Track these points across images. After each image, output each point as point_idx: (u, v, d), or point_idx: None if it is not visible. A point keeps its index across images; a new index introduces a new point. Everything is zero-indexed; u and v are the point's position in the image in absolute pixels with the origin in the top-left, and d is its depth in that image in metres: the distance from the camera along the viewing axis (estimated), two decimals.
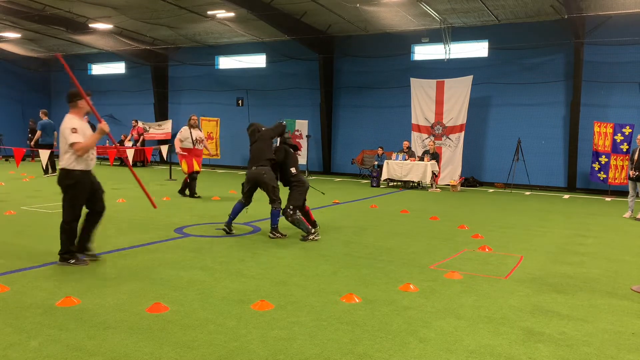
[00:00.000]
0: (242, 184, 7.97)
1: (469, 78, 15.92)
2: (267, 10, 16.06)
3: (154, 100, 23.09)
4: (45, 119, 16.88)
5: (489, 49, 16.65)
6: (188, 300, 4.86)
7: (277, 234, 7.76)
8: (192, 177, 12.18)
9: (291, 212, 7.62)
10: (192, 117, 12.16)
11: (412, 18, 15.99)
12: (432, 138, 16.37)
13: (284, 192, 7.83)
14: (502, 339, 4.10)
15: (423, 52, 17.82)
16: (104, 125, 5.95)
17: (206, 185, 14.95)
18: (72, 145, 5.77)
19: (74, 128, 5.80)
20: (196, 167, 12.11)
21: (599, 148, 14.54)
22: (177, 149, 12.02)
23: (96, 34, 20.18)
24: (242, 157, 21.30)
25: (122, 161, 21.19)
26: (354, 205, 11.58)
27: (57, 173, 6.23)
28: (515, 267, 6.36)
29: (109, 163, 21.16)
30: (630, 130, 14.08)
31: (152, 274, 5.72)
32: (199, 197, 12.15)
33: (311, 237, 7.62)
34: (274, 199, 7.71)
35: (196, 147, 12.05)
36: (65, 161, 5.85)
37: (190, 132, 12.01)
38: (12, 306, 4.59)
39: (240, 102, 21.29)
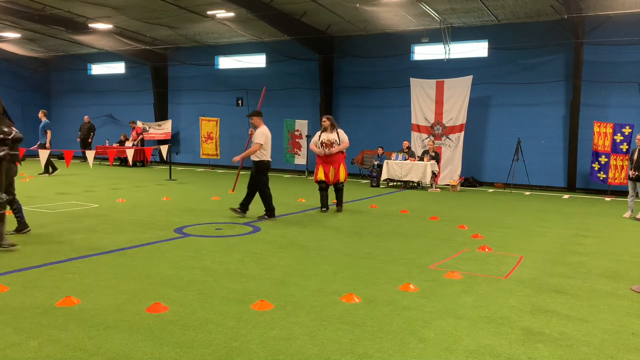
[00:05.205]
0: None
1: (469, 78, 15.91)
2: (267, 10, 16.06)
3: (153, 100, 23.07)
4: (45, 119, 16.96)
5: (489, 49, 16.64)
6: (188, 300, 4.86)
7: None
8: (319, 187, 10.43)
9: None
10: (322, 118, 10.43)
11: (412, 18, 15.98)
12: (432, 138, 16.36)
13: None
14: (502, 339, 4.10)
15: (423, 52, 17.81)
16: None
17: (206, 186, 14.95)
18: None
19: None
20: (320, 176, 10.29)
21: (599, 148, 14.53)
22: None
23: (96, 34, 20.16)
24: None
25: (122, 161, 21.18)
26: (354, 205, 11.57)
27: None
28: (515, 267, 6.36)
29: (108, 163, 21.15)
30: (630, 130, 14.08)
31: (152, 274, 5.72)
32: (325, 210, 10.44)
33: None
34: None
35: (325, 151, 10.20)
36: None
37: (319, 136, 10.26)
38: (12, 306, 4.59)
39: (240, 102, 21.29)
